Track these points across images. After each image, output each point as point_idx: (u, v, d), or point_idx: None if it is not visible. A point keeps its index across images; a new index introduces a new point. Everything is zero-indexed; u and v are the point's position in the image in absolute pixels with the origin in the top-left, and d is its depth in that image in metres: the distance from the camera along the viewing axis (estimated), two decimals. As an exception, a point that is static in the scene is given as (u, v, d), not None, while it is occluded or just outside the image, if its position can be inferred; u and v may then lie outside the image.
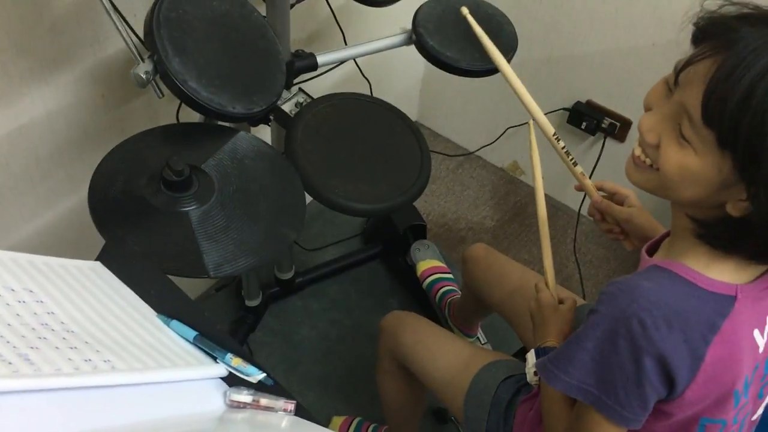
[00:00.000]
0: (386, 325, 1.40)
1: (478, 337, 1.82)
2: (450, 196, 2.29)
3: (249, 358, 0.76)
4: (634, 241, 1.11)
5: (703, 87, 0.71)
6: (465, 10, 1.31)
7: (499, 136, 2.21)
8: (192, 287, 1.89)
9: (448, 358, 1.27)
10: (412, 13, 1.47)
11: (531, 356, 1.04)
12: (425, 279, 1.90)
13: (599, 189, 1.12)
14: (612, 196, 1.12)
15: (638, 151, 0.83)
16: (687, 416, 0.84)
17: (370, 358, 1.47)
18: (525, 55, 1.98)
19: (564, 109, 2.04)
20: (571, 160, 1.08)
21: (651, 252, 0.93)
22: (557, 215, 2.24)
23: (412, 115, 2.49)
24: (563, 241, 2.19)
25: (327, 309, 1.95)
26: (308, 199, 1.09)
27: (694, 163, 0.75)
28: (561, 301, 1.09)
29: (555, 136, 1.08)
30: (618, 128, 1.96)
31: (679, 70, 0.75)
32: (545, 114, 1.11)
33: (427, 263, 1.93)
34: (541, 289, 1.11)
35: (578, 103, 2.01)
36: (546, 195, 1.10)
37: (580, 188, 1.13)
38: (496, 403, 1.15)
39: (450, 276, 1.91)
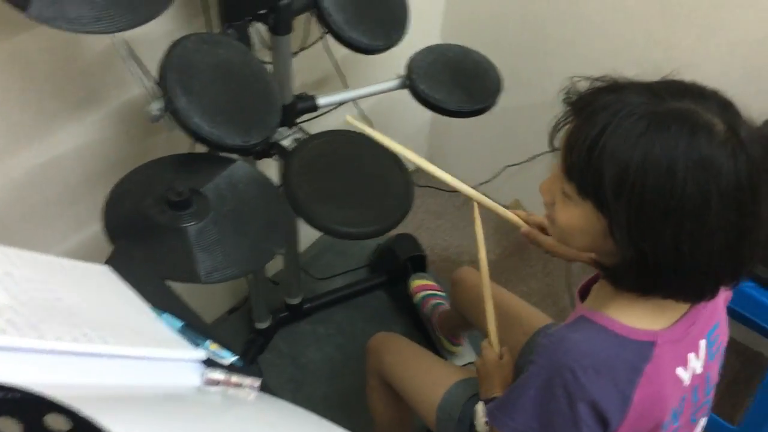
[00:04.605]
0: (372, 345, 1.52)
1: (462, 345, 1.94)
2: (455, 231, 2.42)
3: (224, 344, 0.90)
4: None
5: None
6: (349, 118, 1.30)
7: (497, 174, 2.34)
8: (208, 310, 2.04)
9: (425, 374, 1.38)
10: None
11: (480, 408, 1.16)
12: (416, 294, 2.03)
13: (526, 221, 1.26)
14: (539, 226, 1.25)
15: (546, 211, 0.96)
16: None
17: (371, 380, 1.59)
18: (521, 99, 2.13)
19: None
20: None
21: (584, 292, 1.03)
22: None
23: (422, 154, 2.63)
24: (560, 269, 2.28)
25: (333, 334, 2.07)
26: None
27: (576, 215, 0.86)
28: (501, 356, 1.23)
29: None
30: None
31: (550, 137, 0.89)
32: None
33: (420, 281, 2.06)
34: (485, 347, 1.25)
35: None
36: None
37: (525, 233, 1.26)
38: (462, 419, 1.26)
39: (442, 293, 2.03)
